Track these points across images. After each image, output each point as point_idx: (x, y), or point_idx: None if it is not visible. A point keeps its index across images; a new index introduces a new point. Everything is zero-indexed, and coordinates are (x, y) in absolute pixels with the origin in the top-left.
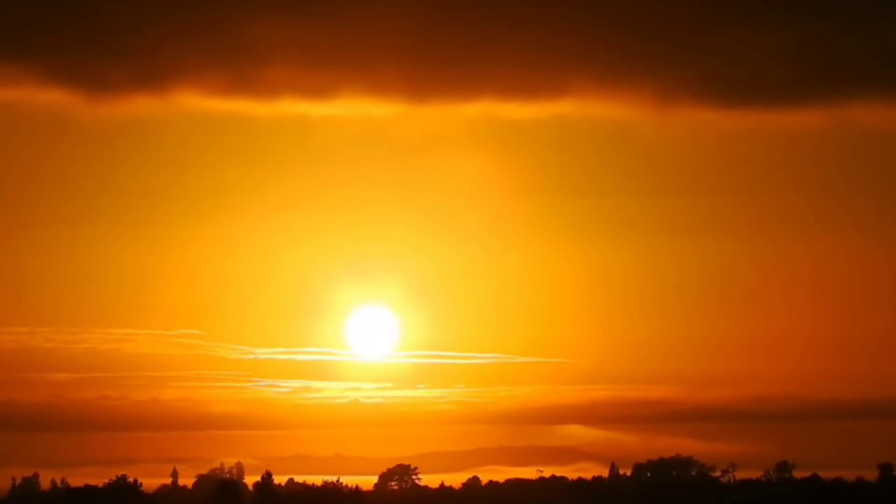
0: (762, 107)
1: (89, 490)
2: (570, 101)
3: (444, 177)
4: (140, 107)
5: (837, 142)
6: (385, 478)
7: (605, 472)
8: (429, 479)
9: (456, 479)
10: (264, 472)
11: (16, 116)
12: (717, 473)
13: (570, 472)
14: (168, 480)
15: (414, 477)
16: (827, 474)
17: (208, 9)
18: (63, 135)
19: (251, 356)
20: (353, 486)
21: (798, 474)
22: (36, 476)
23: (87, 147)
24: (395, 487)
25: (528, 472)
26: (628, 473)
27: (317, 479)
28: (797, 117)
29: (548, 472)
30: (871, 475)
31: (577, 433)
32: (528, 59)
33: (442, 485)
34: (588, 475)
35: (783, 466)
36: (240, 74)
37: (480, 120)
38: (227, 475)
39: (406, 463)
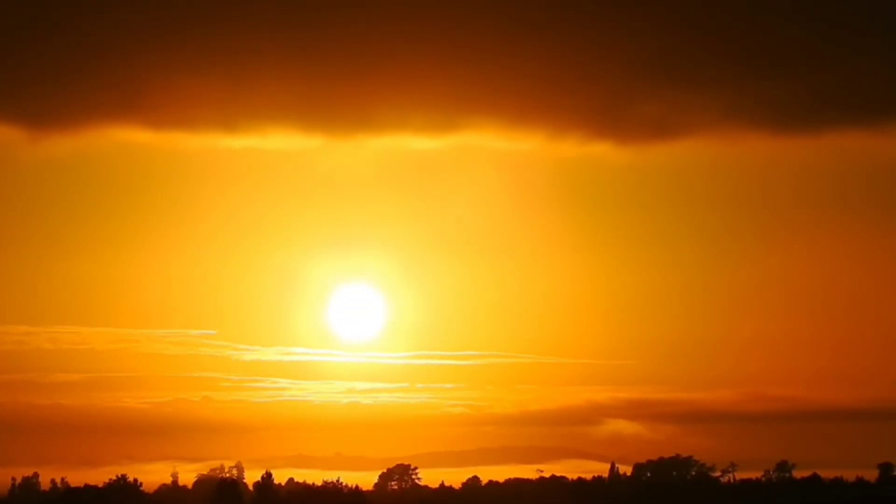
0: (643, 140)
1: (89, 490)
2: (474, 135)
3: (366, 202)
4: (83, 141)
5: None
6: (385, 477)
7: (605, 472)
8: (429, 479)
9: (456, 479)
10: (264, 472)
11: None
12: (717, 473)
13: (570, 471)
14: (168, 480)
15: (414, 477)
16: (827, 474)
17: (137, 50)
18: (16, 166)
19: (251, 357)
20: (353, 486)
21: (798, 474)
22: (36, 476)
23: (39, 176)
24: (395, 487)
25: (528, 472)
26: (628, 473)
27: (317, 479)
28: (677, 149)
29: (548, 472)
30: (871, 475)
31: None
32: (437, 98)
33: (442, 484)
34: (588, 475)
35: (783, 466)
36: (170, 110)
37: (389, 151)
38: (227, 475)
39: (406, 463)
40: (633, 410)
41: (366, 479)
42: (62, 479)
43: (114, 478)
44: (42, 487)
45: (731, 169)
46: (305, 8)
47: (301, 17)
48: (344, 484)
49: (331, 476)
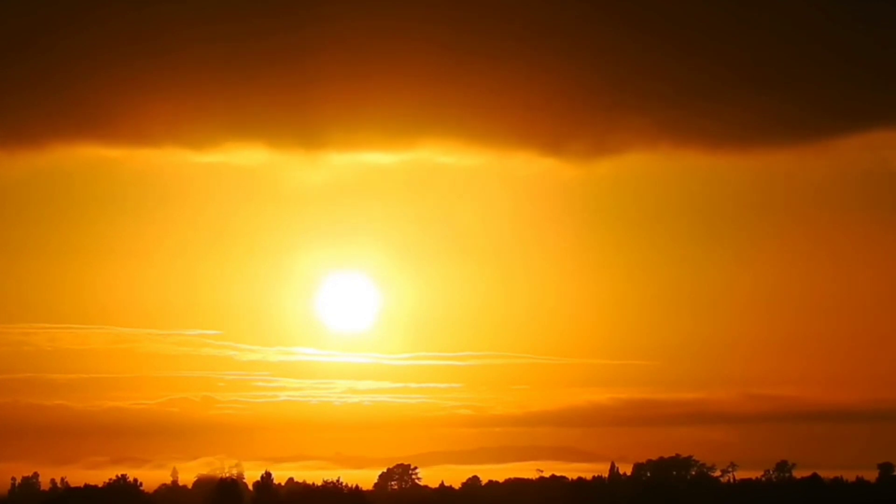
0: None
1: (89, 490)
2: (429, 151)
3: (320, 218)
4: (56, 154)
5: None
6: (385, 477)
7: (605, 472)
8: (429, 479)
9: (456, 479)
10: (264, 472)
11: None
12: (717, 473)
13: (570, 472)
14: (168, 480)
15: (414, 477)
16: (827, 474)
17: (93, 67)
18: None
19: (252, 356)
20: (353, 486)
21: (798, 474)
22: (36, 476)
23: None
24: (395, 487)
25: (528, 472)
26: (628, 473)
27: (317, 479)
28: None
29: (548, 472)
30: (871, 475)
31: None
32: (392, 116)
33: (442, 484)
34: (588, 475)
35: (783, 466)
36: (127, 125)
37: (350, 166)
38: (227, 475)
39: (406, 463)
40: (633, 411)
41: (366, 479)
42: (62, 479)
43: (114, 478)
44: (42, 487)
45: (669, 181)
46: (265, 31)
47: (261, 42)
48: (344, 484)
49: (331, 476)
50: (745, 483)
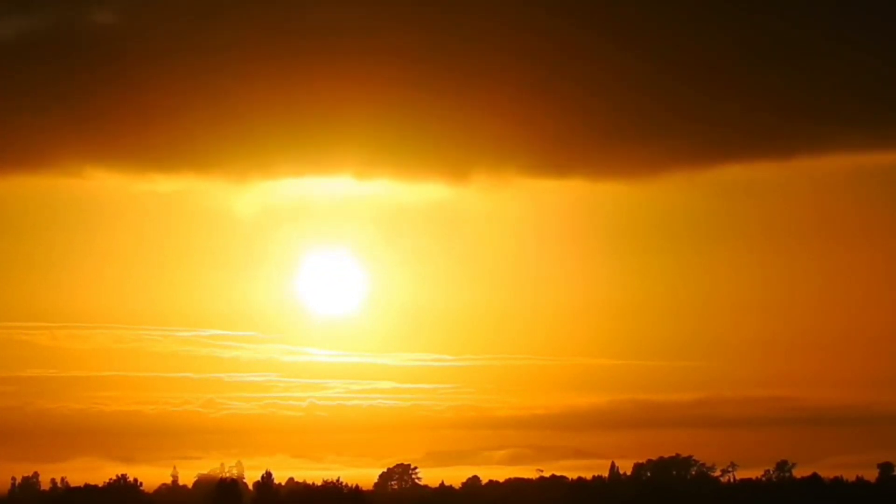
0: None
1: (89, 490)
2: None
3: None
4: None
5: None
6: (385, 477)
7: (605, 472)
8: (429, 479)
9: (456, 479)
10: (264, 471)
11: None
12: (717, 473)
13: (570, 471)
14: (168, 480)
15: (414, 477)
16: (827, 474)
17: (22, 95)
18: None
19: (252, 356)
20: (353, 486)
21: (798, 474)
22: (36, 476)
23: None
24: (395, 487)
25: (528, 472)
26: (628, 473)
27: (317, 479)
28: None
29: (548, 471)
30: (871, 475)
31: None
32: (331, 145)
33: (442, 484)
34: (588, 475)
35: (783, 466)
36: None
37: (293, 196)
38: (227, 475)
39: (406, 463)
40: (634, 411)
41: (366, 479)
42: (62, 479)
43: (114, 478)
44: (42, 487)
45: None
46: (204, 66)
47: (199, 76)
48: (344, 484)
49: (331, 476)
50: (745, 483)
